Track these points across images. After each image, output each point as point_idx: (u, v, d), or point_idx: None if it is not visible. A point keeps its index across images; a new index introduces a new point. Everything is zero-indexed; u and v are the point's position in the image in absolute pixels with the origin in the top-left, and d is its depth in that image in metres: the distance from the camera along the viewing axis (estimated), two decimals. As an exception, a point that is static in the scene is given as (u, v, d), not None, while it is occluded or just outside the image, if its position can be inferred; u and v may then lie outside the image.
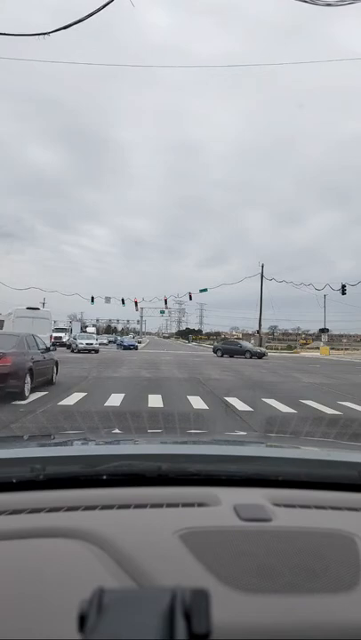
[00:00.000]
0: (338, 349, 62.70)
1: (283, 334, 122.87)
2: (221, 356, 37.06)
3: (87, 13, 8.23)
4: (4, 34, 9.02)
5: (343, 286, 45.31)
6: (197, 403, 10.56)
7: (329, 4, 7.97)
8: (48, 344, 14.76)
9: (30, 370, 10.63)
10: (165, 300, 55.51)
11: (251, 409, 9.98)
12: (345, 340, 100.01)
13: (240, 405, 10.47)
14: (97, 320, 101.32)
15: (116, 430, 3.73)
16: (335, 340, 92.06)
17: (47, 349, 12.86)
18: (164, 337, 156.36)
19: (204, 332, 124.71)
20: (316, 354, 49.90)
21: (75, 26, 8.41)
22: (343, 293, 45.42)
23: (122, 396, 11.07)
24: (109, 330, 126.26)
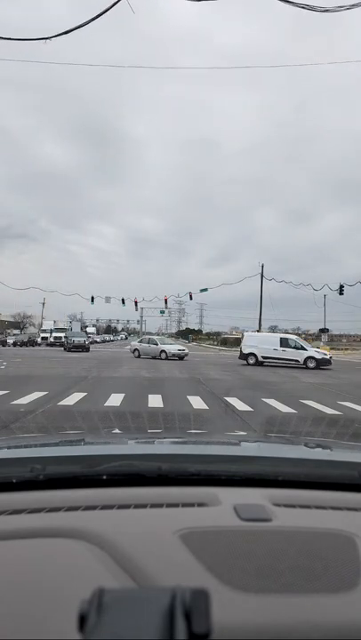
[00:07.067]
0: (338, 349, 62.59)
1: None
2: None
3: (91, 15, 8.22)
4: (6, 38, 9.02)
5: (341, 287, 45.29)
6: (197, 403, 10.55)
7: (327, 10, 7.98)
8: None
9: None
10: (165, 300, 55.42)
11: (251, 409, 9.97)
12: (345, 340, 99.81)
13: (240, 405, 10.46)
14: (97, 320, 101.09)
15: (116, 430, 3.73)
16: (335, 340, 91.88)
17: None
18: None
19: (204, 332, 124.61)
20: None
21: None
22: (341, 294, 45.38)
23: (122, 395, 11.07)
24: (109, 330, 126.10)
